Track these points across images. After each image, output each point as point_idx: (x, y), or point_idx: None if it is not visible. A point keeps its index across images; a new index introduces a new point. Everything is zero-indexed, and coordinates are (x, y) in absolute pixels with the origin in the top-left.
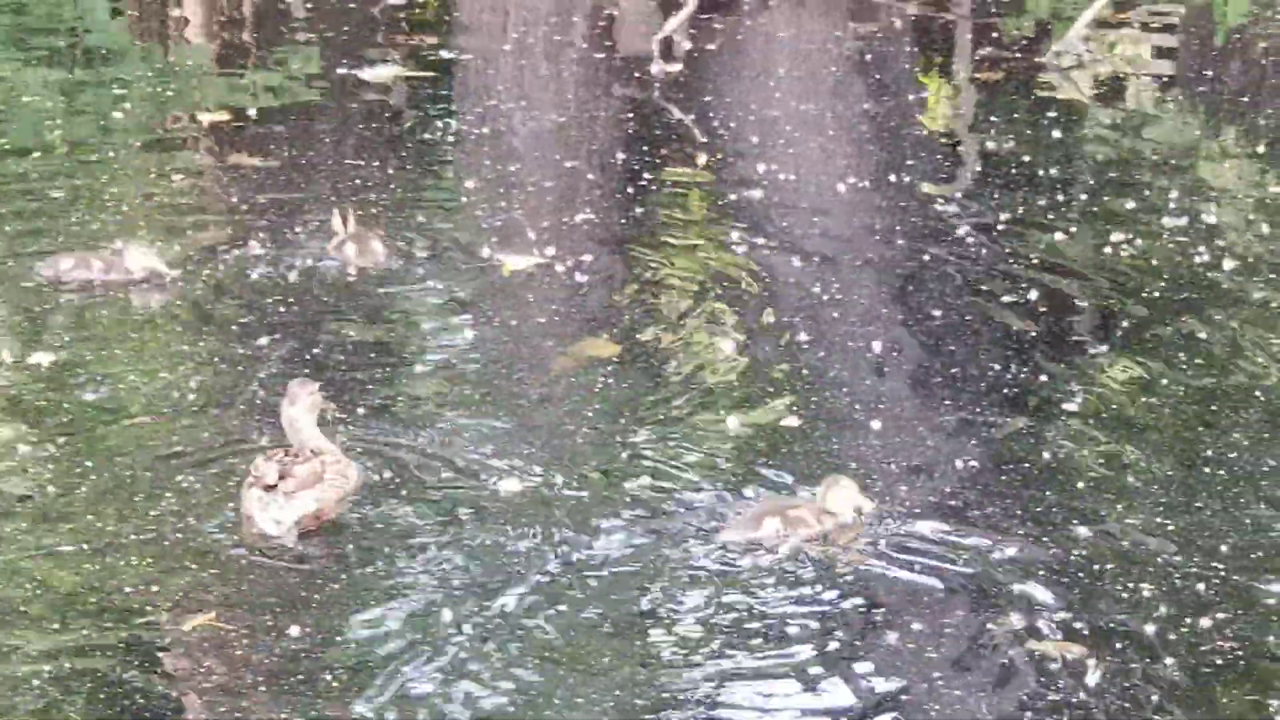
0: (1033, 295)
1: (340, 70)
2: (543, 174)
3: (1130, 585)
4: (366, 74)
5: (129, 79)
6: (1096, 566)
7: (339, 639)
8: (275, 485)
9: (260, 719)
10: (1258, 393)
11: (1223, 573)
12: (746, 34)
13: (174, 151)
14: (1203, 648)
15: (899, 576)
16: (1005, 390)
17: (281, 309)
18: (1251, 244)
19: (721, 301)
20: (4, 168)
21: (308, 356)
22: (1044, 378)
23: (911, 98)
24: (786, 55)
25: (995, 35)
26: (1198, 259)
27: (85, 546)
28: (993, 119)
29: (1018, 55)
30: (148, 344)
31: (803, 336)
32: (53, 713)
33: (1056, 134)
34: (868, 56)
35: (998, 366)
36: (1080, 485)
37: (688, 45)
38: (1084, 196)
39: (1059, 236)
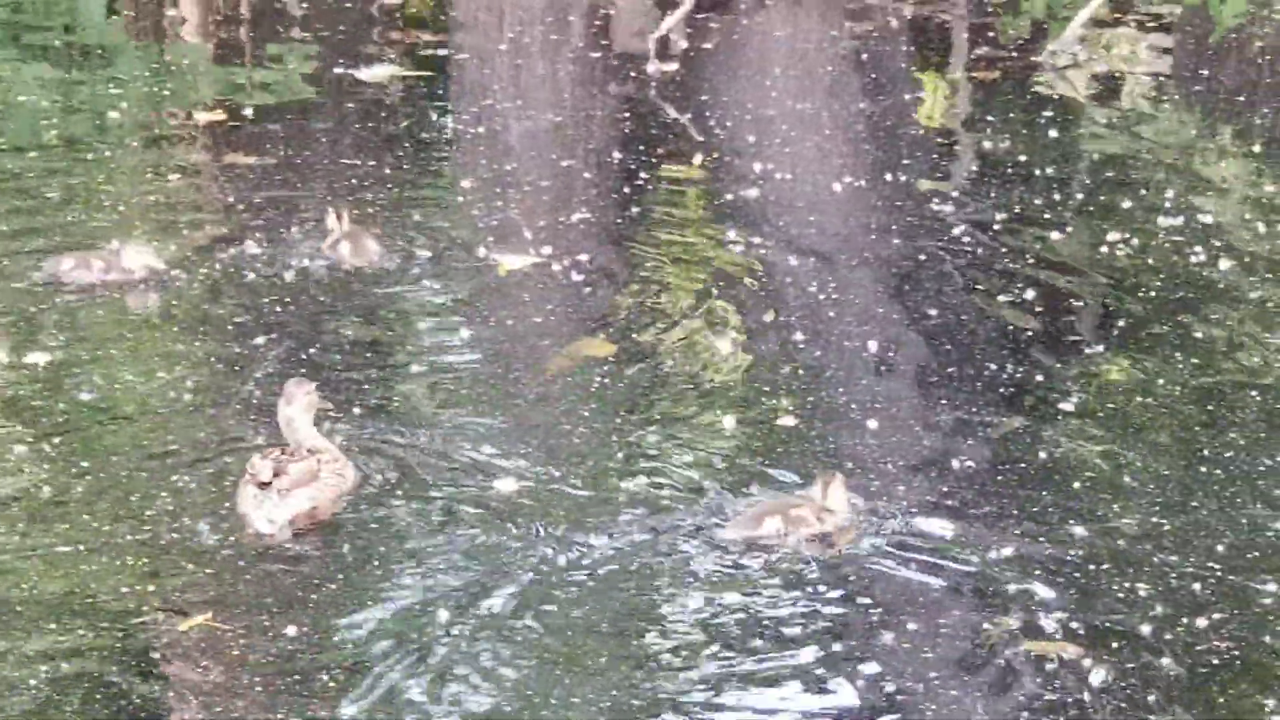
0: (1029, 294)
1: (337, 70)
2: (539, 173)
3: (1127, 585)
4: (363, 73)
5: (125, 78)
6: (1093, 566)
7: (336, 639)
8: (269, 483)
9: (257, 719)
10: (1254, 392)
11: (1219, 572)
12: (743, 33)
13: (170, 150)
14: (1199, 647)
15: (895, 576)
16: (1002, 389)
17: (278, 309)
18: (1248, 243)
19: (718, 300)
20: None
21: (304, 356)
22: (1041, 377)
23: (908, 97)
24: (783, 54)
25: (991, 35)
26: (1194, 258)
27: (81, 547)
28: (989, 118)
29: (1014, 55)
30: (143, 343)
31: (799, 336)
32: (49, 713)
33: (1053, 133)
34: (864, 56)
35: (994, 366)
36: (1077, 485)
37: (684, 44)
38: (1080, 195)
39: (1055, 235)
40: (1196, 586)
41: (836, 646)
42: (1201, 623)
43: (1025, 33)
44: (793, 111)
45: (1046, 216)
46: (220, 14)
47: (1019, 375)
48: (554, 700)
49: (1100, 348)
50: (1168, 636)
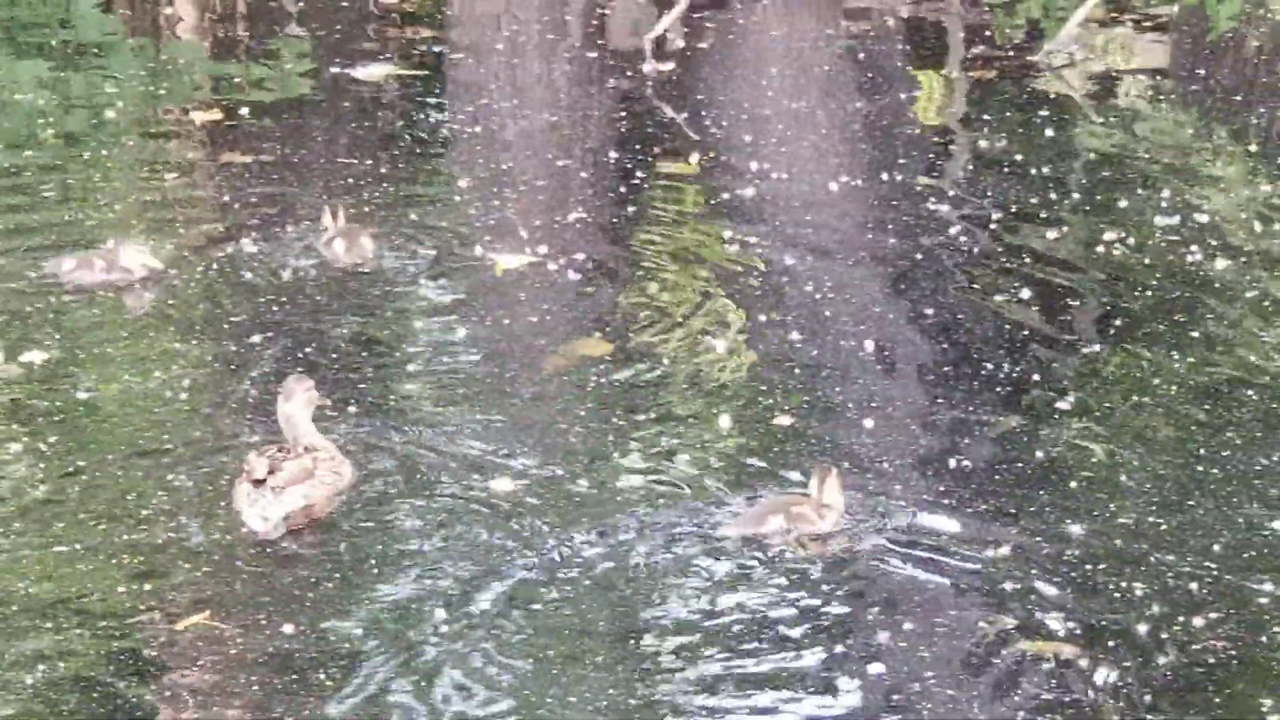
0: (1026, 293)
1: (333, 69)
2: (535, 172)
3: (1124, 584)
4: (359, 72)
5: (121, 76)
6: (1090, 565)
7: (332, 637)
8: (264, 480)
9: (254, 718)
10: (1251, 391)
11: (1216, 571)
12: (739, 32)
13: (166, 149)
14: (1196, 646)
15: (892, 575)
16: (999, 388)
17: (274, 307)
18: (1244, 241)
19: (714, 299)
20: None
21: (300, 355)
22: (1037, 375)
23: (904, 96)
24: (779, 53)
25: (988, 34)
26: (1191, 256)
27: (76, 545)
28: (985, 117)
29: (1010, 54)
30: (139, 342)
31: (796, 334)
32: (45, 713)
33: (1049, 132)
34: (860, 55)
35: (992, 364)
36: (1074, 483)
37: (680, 43)
38: (1077, 194)
39: (1052, 234)
40: (1194, 585)
41: (834, 646)
42: (1198, 622)
43: (1021, 32)
44: (789, 110)
45: (1043, 215)
46: (216, 12)
47: (1016, 374)
48: (550, 700)
49: (1097, 346)
50: (1165, 635)
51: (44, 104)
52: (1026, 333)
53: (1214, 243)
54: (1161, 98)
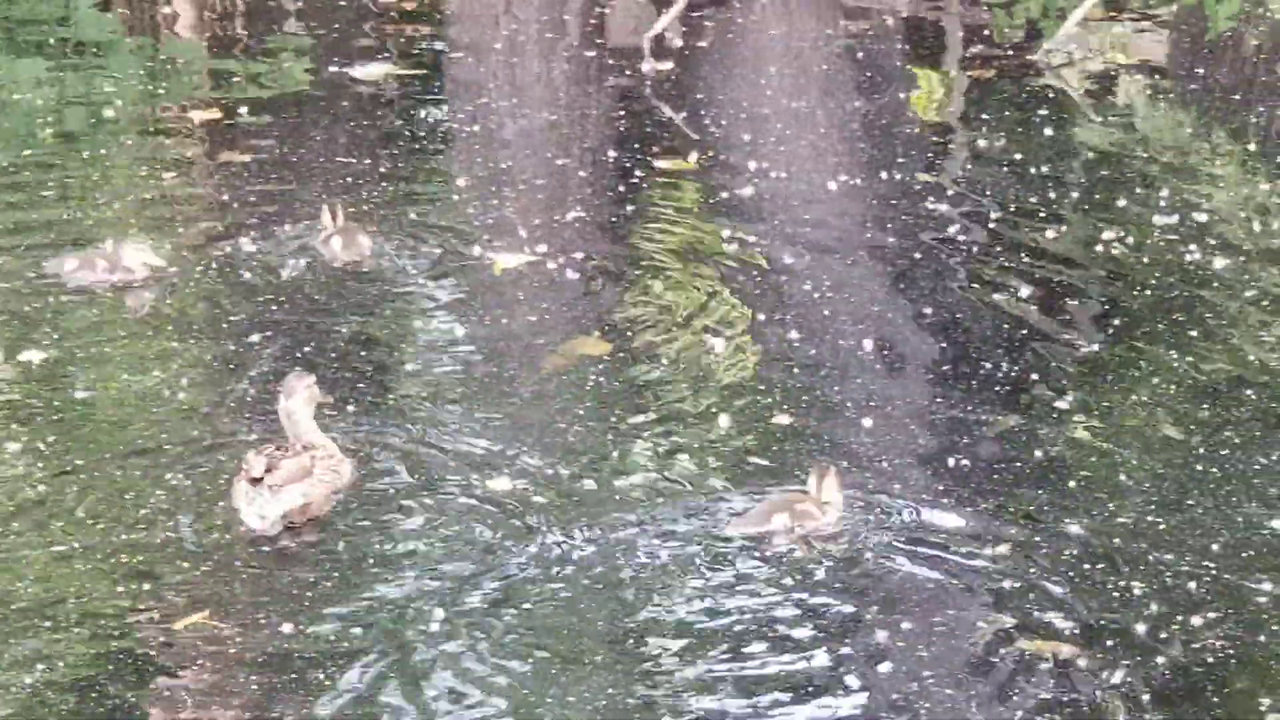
0: (1025, 291)
1: (332, 68)
2: (534, 171)
3: (1122, 583)
4: (358, 71)
5: (120, 75)
6: (1089, 564)
7: (331, 636)
8: (261, 478)
9: (253, 717)
10: (1250, 390)
11: (1215, 570)
12: (738, 31)
13: (165, 147)
14: (1194, 645)
15: (890, 574)
16: (998, 386)
17: (273, 306)
18: (1243, 240)
19: (714, 298)
20: None
21: (299, 354)
22: (1037, 374)
23: (903, 95)
24: (778, 52)
25: (986, 33)
26: (1190, 255)
27: (75, 545)
28: (984, 116)
29: (1009, 53)
30: (137, 342)
31: (795, 333)
32: (44, 713)
33: (1048, 131)
34: (859, 54)
35: (990, 363)
36: (1073, 482)
37: (679, 42)
38: (1075, 193)
39: (1051, 232)
40: (1192, 585)
41: (830, 645)
42: (1197, 621)
43: (1020, 31)
44: (788, 109)
45: (1042, 214)
46: (215, 10)
47: (1015, 372)
48: (549, 700)
49: (1097, 344)
50: (1163, 634)
51: (42, 102)
52: (1026, 331)
53: (1213, 241)
54: (1160, 97)
